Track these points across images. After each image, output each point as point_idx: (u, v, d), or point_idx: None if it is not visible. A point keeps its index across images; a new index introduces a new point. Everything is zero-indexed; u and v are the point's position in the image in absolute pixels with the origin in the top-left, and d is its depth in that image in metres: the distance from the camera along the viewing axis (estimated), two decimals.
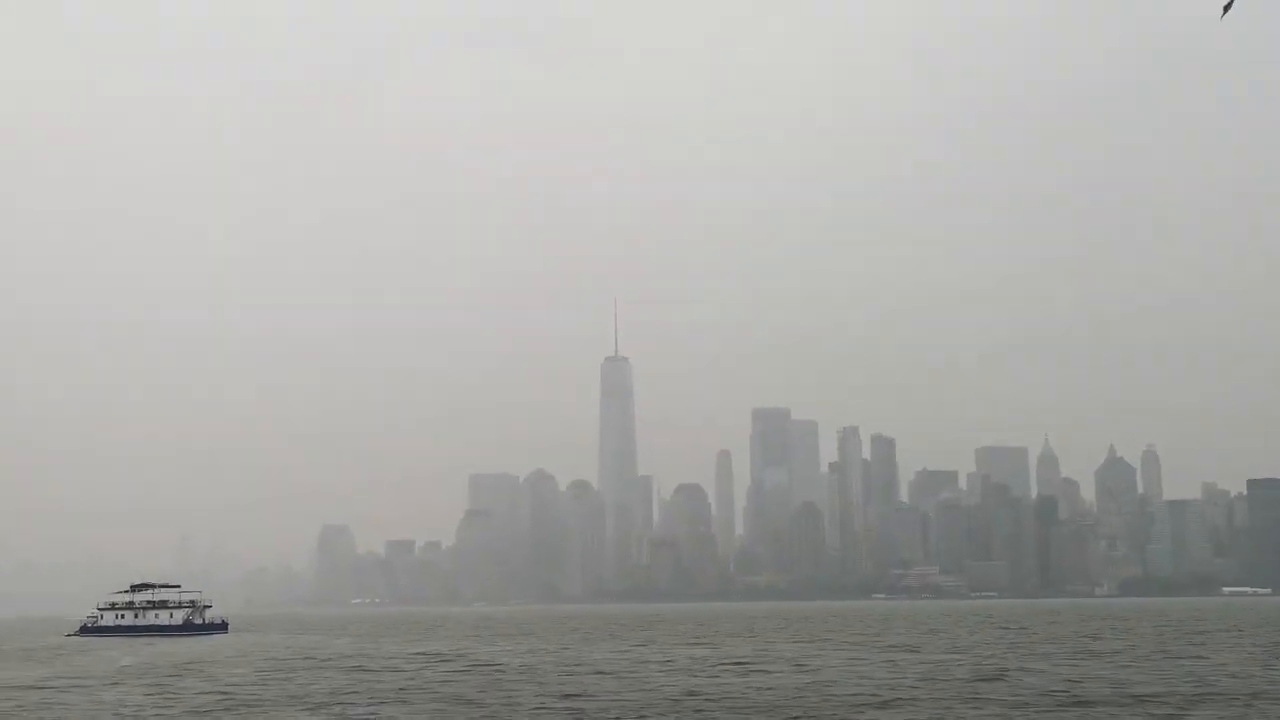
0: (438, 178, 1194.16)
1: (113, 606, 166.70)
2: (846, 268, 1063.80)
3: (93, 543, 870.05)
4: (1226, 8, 22.73)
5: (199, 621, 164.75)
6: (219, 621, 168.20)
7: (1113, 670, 70.20)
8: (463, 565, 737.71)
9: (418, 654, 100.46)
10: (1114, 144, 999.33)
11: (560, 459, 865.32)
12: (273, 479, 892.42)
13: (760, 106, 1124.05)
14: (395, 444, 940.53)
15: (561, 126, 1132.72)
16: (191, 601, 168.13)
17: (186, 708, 56.48)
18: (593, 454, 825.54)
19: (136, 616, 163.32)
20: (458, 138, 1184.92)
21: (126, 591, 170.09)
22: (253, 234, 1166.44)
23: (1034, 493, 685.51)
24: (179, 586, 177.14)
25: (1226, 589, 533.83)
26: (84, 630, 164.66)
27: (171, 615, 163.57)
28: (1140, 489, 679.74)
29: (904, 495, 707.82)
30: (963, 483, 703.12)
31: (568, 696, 57.78)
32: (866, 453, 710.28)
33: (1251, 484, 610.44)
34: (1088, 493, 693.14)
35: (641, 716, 49.52)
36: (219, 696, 61.51)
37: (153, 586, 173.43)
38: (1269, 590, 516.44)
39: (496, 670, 77.88)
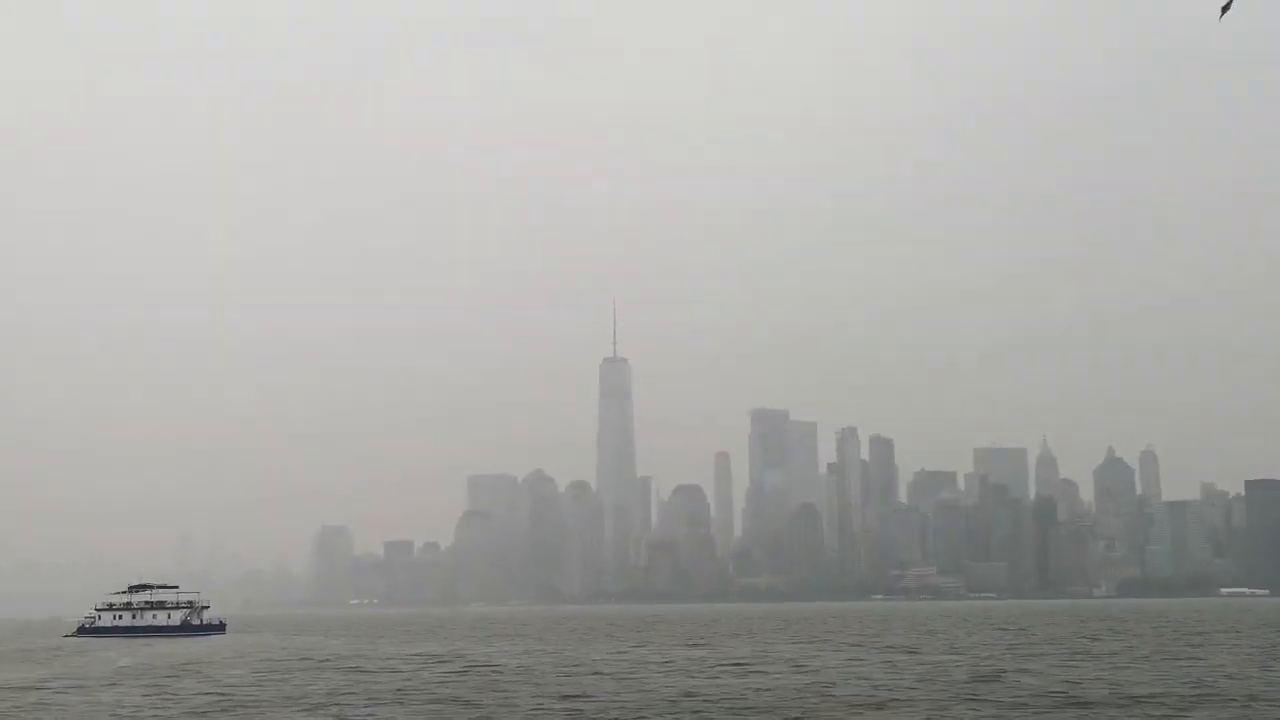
0: (438, 178, 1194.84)
1: (110, 607, 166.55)
2: (846, 268, 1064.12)
3: (93, 543, 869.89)
4: (1225, 9, 22.71)
5: (196, 622, 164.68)
6: (216, 622, 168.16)
7: (1111, 671, 70.18)
8: (461, 566, 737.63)
9: (415, 655, 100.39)
10: (1114, 144, 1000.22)
11: (559, 460, 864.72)
12: (273, 479, 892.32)
13: (760, 106, 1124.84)
14: (395, 444, 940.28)
15: (561, 126, 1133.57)
16: (189, 602, 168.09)
17: (184, 709, 56.44)
18: (591, 455, 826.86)
19: (134, 617, 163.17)
20: (458, 138, 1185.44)
21: (124, 592, 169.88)
22: (253, 234, 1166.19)
23: (1032, 493, 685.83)
24: (177, 587, 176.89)
25: (1225, 590, 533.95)
26: (81, 631, 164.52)
27: (169, 616, 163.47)
28: (1139, 490, 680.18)
29: (902, 496, 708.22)
30: (961, 483, 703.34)
31: (566, 698, 57.74)
32: (865, 454, 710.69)
33: (1250, 485, 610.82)
34: (1086, 493, 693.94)
35: (640, 717, 49.48)
36: (216, 697, 61.48)
37: (150, 587, 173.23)
38: (1267, 591, 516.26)
39: (494, 671, 77.82)
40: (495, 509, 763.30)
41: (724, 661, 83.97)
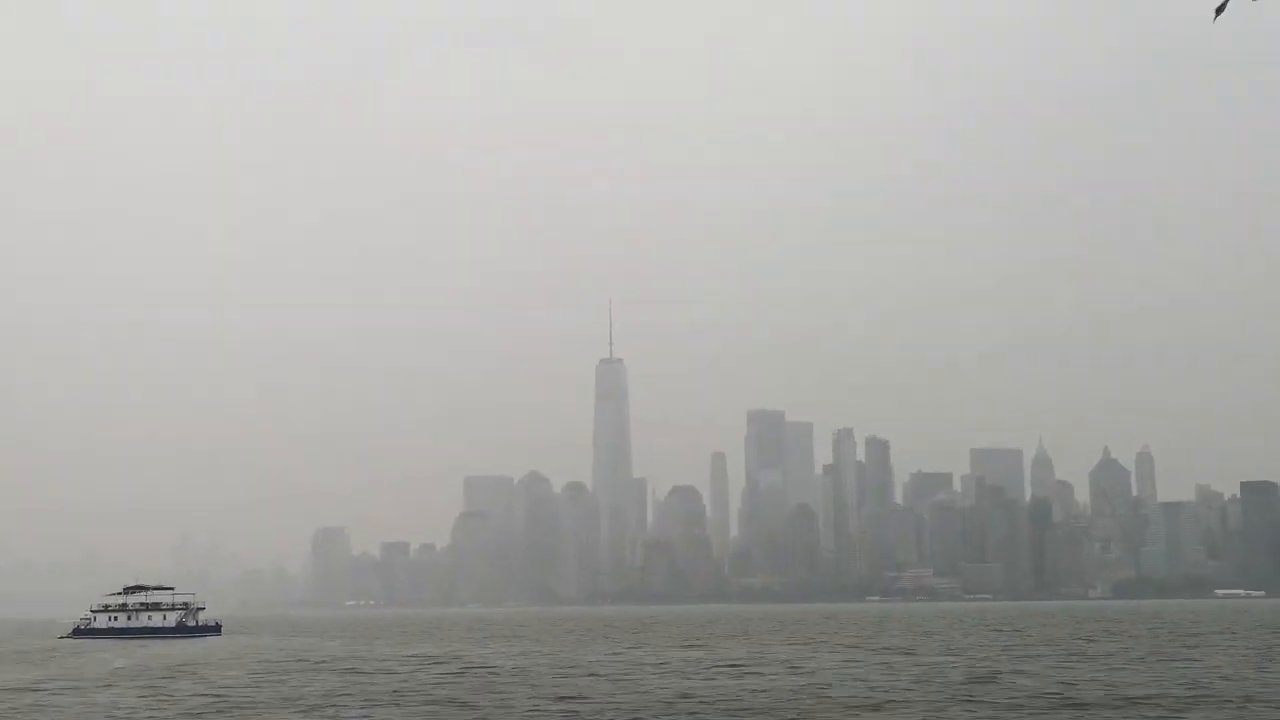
0: (438, 178, 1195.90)
1: (105, 609, 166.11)
2: (846, 268, 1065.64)
3: (92, 543, 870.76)
4: (1219, 10, 22.71)
5: (192, 624, 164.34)
6: (212, 624, 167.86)
7: (1106, 672, 70.23)
8: (458, 567, 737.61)
9: (411, 656, 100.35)
10: (1114, 144, 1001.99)
11: (555, 460, 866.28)
12: (272, 479, 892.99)
13: (760, 106, 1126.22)
14: (394, 444, 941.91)
15: (561, 126, 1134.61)
16: (185, 604, 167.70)
17: (180, 710, 56.39)
18: (587, 456, 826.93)
19: (129, 619, 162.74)
20: (458, 138, 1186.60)
21: (119, 593, 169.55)
22: (253, 234, 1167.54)
23: (1028, 495, 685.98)
24: (172, 589, 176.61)
25: (1220, 591, 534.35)
26: (77, 633, 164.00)
27: (164, 617, 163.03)
28: (1134, 491, 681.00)
29: (898, 497, 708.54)
30: (957, 485, 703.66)
31: (561, 699, 57.72)
32: (861, 455, 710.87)
33: (1245, 486, 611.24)
34: (1082, 495, 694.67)
35: (635, 719, 49.49)
36: (212, 699, 61.42)
37: (146, 588, 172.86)
38: (1262, 593, 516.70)
39: (490, 672, 77.81)
40: (491, 510, 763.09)
41: (720, 663, 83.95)
